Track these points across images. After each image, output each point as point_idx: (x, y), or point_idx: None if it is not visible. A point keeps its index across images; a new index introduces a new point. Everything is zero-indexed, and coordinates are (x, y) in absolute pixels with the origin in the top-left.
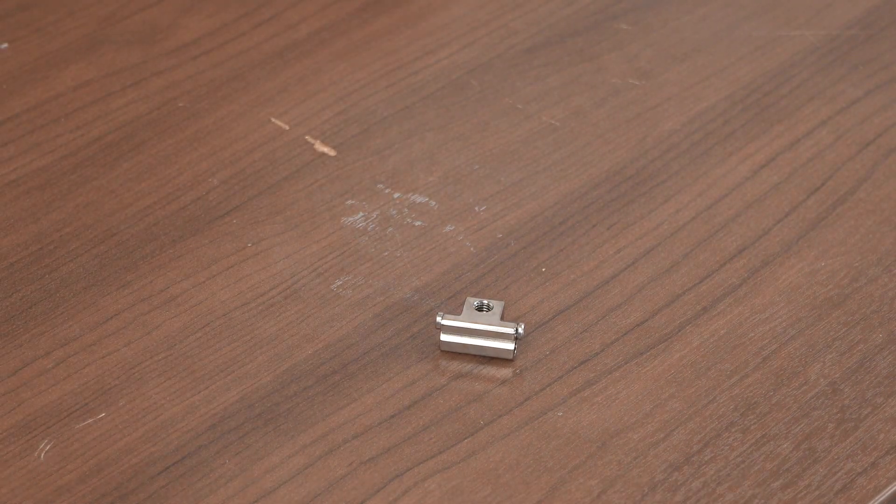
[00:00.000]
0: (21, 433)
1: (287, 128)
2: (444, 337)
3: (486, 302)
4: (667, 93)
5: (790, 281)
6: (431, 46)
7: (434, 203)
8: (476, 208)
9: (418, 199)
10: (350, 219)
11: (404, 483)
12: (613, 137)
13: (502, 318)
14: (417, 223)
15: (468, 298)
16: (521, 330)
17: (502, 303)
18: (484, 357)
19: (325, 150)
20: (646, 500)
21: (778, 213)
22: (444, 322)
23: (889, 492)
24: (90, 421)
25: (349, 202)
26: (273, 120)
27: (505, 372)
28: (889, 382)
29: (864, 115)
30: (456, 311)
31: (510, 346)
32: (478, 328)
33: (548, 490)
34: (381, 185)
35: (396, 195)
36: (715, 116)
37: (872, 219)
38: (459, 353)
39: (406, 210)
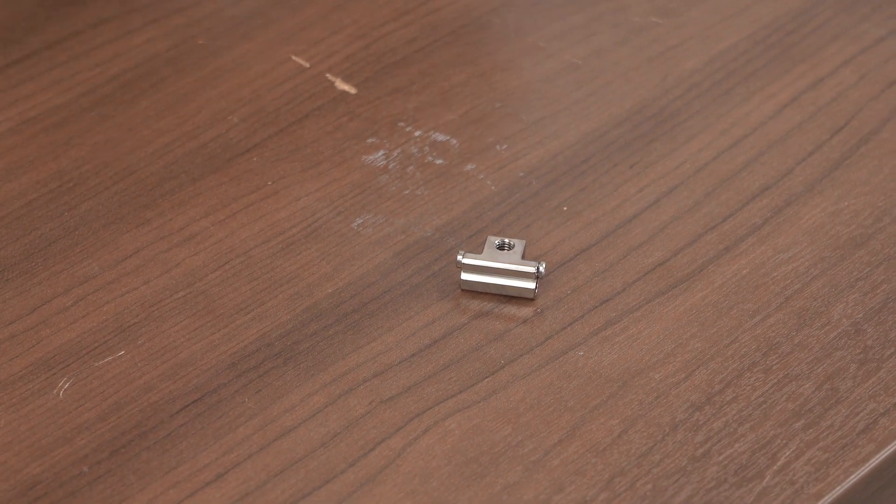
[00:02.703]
0: (40, 371)
1: (308, 65)
2: (464, 276)
3: (507, 241)
4: (689, 31)
5: (813, 220)
6: None
7: (455, 141)
8: (497, 147)
9: (439, 137)
10: (371, 157)
11: (424, 422)
12: (635, 76)
13: (523, 257)
14: (438, 161)
15: (489, 237)
16: (542, 269)
17: (524, 241)
18: (505, 296)
19: (346, 87)
20: (667, 439)
21: (801, 153)
22: (465, 261)
23: None
24: (109, 359)
25: (370, 140)
26: (293, 57)
27: (526, 311)
28: None
29: (888, 54)
30: (477, 250)
31: (531, 285)
32: (499, 267)
33: (569, 429)
34: (402, 124)
35: (417, 133)
36: (737, 55)
37: None
38: (480, 292)
39: (427, 148)
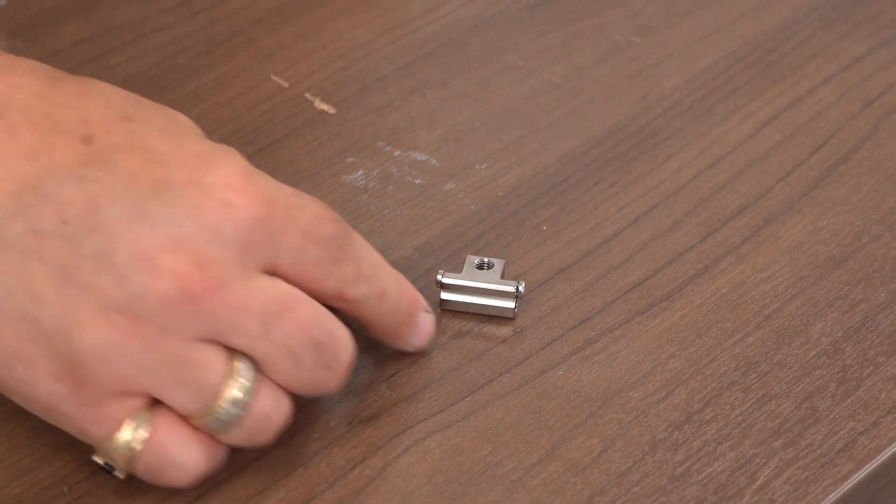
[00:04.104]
0: None
1: (287, 85)
2: (444, 295)
3: (486, 260)
4: (669, 49)
5: (792, 239)
6: (432, 3)
7: (435, 161)
8: (477, 166)
9: (419, 156)
10: (350, 177)
11: (404, 442)
12: (615, 94)
13: (503, 277)
14: (418, 181)
15: (469, 256)
16: (521, 288)
17: (503, 261)
18: (484, 315)
19: (325, 107)
20: (646, 459)
21: (780, 172)
22: (445, 280)
23: (891, 451)
24: None
25: (349, 160)
26: (273, 77)
27: (505, 330)
28: (891, 342)
29: (867, 72)
30: (456, 270)
31: (511, 304)
32: (478, 286)
33: (548, 449)
34: (381, 143)
35: (397, 153)
36: (717, 74)
37: (875, 177)
38: (460, 312)
39: (406, 168)
